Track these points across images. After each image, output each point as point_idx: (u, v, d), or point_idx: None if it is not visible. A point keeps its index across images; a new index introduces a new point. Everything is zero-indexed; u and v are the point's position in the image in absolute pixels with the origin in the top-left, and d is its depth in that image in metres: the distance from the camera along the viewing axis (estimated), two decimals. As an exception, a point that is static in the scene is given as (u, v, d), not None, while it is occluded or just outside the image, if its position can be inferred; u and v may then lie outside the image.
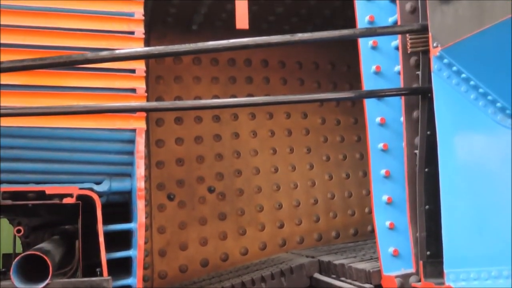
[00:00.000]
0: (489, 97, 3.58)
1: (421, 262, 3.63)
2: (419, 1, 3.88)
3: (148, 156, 5.54)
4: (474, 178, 3.53)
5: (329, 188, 6.21)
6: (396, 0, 3.99)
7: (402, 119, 3.89)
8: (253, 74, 6.07)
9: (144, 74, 3.81)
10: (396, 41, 4.00)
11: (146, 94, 3.80)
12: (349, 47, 4.43)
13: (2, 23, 3.61)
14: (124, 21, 3.81)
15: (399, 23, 3.90)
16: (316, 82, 6.30)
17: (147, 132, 5.25)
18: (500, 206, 3.47)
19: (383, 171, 3.94)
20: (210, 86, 5.94)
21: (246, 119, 6.04)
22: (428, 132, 3.73)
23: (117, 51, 3.19)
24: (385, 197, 3.91)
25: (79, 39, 3.71)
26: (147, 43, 5.08)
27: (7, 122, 3.51)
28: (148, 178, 5.55)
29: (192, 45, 3.27)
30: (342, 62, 6.37)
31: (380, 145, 3.97)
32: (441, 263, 3.43)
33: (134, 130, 3.78)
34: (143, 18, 3.84)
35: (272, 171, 6.04)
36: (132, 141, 3.85)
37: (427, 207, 3.72)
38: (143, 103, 3.73)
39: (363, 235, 6.21)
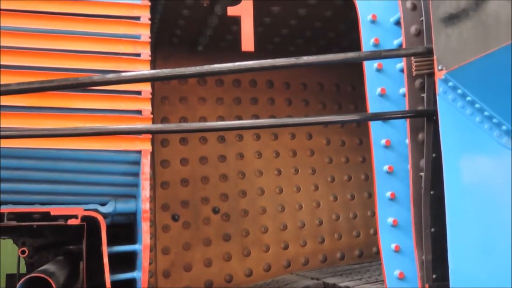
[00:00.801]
0: (494, 120, 3.57)
1: (427, 285, 3.61)
2: (424, 24, 3.90)
3: (153, 176, 5.54)
4: (480, 200, 3.51)
5: (334, 209, 6.19)
6: (401, 22, 4.01)
7: (408, 141, 3.89)
8: (258, 95, 6.09)
9: (150, 96, 3.83)
10: (401, 63, 4.01)
11: (151, 116, 3.81)
12: (354, 68, 4.45)
13: (10, 45, 3.64)
14: (130, 43, 3.84)
15: (404, 46, 3.91)
16: (321, 103, 6.32)
17: (152, 152, 5.25)
18: (507, 229, 3.46)
19: (388, 194, 3.93)
20: (215, 107, 5.96)
21: (251, 140, 6.04)
22: (434, 155, 3.73)
23: (123, 74, 3.21)
24: (390, 220, 3.89)
25: (86, 61, 3.74)
26: (153, 63, 5.11)
27: (13, 143, 3.53)
28: (152, 198, 5.55)
29: (198, 68, 3.28)
30: (347, 83, 6.38)
31: (385, 167, 3.96)
32: (448, 286, 3.40)
33: (139, 152, 3.79)
34: (149, 40, 3.87)
35: (276, 192, 6.04)
36: (137, 163, 3.86)
37: (433, 229, 3.70)
38: (148, 125, 3.74)
39: (368, 256, 6.18)
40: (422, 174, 3.77)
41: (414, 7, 3.99)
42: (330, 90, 6.36)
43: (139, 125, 3.68)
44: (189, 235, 5.69)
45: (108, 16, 3.85)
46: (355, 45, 4.37)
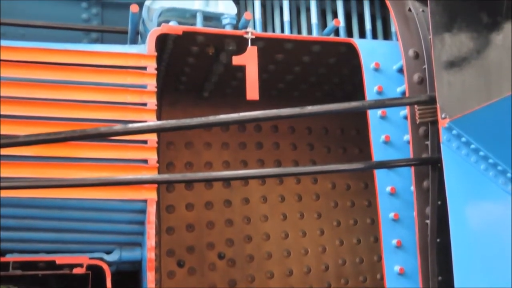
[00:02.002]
0: (499, 167, 3.59)
1: (435, 335, 3.58)
2: (427, 72, 3.96)
3: (158, 222, 5.53)
4: (486, 248, 3.51)
5: (340, 254, 6.15)
6: (403, 70, 4.07)
7: (413, 188, 3.90)
8: (263, 140, 6.10)
9: (156, 145, 3.86)
10: (405, 110, 4.06)
11: (157, 165, 3.83)
12: (358, 112, 4.47)
13: (18, 95, 3.70)
14: (137, 93, 3.88)
15: (407, 94, 3.96)
16: (325, 147, 6.33)
17: (158, 198, 5.26)
18: (514, 277, 3.45)
19: (394, 241, 3.92)
20: (221, 152, 5.98)
21: (256, 185, 6.03)
22: (439, 202, 3.74)
23: (130, 125, 3.25)
24: (397, 268, 3.88)
25: (92, 110, 3.78)
26: (159, 109, 5.14)
27: (20, 193, 3.55)
28: (158, 244, 5.51)
29: (203, 119, 3.32)
30: (351, 127, 6.40)
31: (391, 215, 3.97)
32: (456, 336, 3.38)
33: (145, 201, 3.80)
34: (155, 90, 3.92)
35: (282, 236, 6.00)
36: (143, 211, 3.86)
37: (439, 278, 3.68)
38: (154, 175, 3.75)
39: (375, 301, 6.12)
40: (428, 221, 3.77)
41: (417, 56, 4.05)
42: (335, 134, 6.38)
43: (145, 176, 3.70)
44: (194, 281, 5.64)
45: (115, 67, 3.91)
46: (359, 89, 4.42)
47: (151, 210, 3.80)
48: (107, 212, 3.90)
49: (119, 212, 3.91)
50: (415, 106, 3.82)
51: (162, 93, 5.58)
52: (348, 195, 6.32)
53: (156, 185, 3.82)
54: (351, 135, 6.45)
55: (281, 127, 6.20)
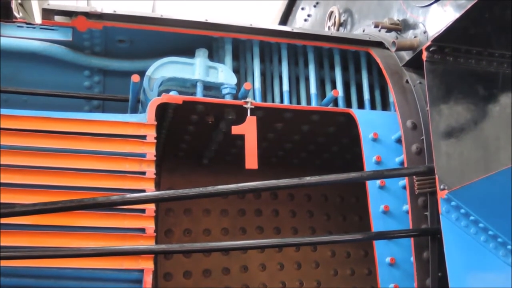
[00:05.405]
0: (499, 239, 3.57)
1: None
2: (425, 143, 3.98)
3: (155, 290, 5.45)
4: (488, 322, 3.46)
5: (340, 324, 6.03)
6: (402, 141, 4.09)
7: (412, 259, 3.86)
8: (262, 207, 6.08)
9: (154, 214, 3.83)
10: (404, 180, 4.05)
11: (155, 234, 3.80)
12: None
13: (17, 163, 3.70)
14: (136, 161, 3.89)
15: (405, 164, 3.97)
16: (325, 214, 6.29)
17: (155, 265, 5.20)
18: None
19: (394, 314, 3.86)
20: (220, 219, 5.94)
21: (255, 252, 5.96)
22: (440, 274, 3.70)
23: (127, 196, 3.25)
24: None
25: (91, 179, 3.77)
26: (158, 175, 5.15)
27: (15, 263, 3.51)
28: (154, 313, 5.42)
29: (202, 189, 3.32)
30: (351, 195, 6.39)
31: (391, 286, 3.91)
32: None
33: (142, 270, 3.75)
34: (154, 158, 3.93)
35: (281, 306, 5.90)
36: (139, 281, 3.80)
37: None
38: (151, 246, 3.72)
39: None
40: (429, 293, 3.72)
41: (415, 127, 4.09)
42: (334, 201, 6.36)
43: (142, 246, 3.66)
44: None
45: (115, 135, 3.93)
46: (358, 158, 4.43)
47: (148, 280, 3.74)
48: (102, 281, 3.82)
49: (115, 281, 3.84)
50: (414, 177, 3.82)
51: (162, 159, 5.60)
52: (348, 263, 6.25)
53: (153, 255, 3.78)
54: (351, 202, 6.42)
55: (280, 195, 6.18)
